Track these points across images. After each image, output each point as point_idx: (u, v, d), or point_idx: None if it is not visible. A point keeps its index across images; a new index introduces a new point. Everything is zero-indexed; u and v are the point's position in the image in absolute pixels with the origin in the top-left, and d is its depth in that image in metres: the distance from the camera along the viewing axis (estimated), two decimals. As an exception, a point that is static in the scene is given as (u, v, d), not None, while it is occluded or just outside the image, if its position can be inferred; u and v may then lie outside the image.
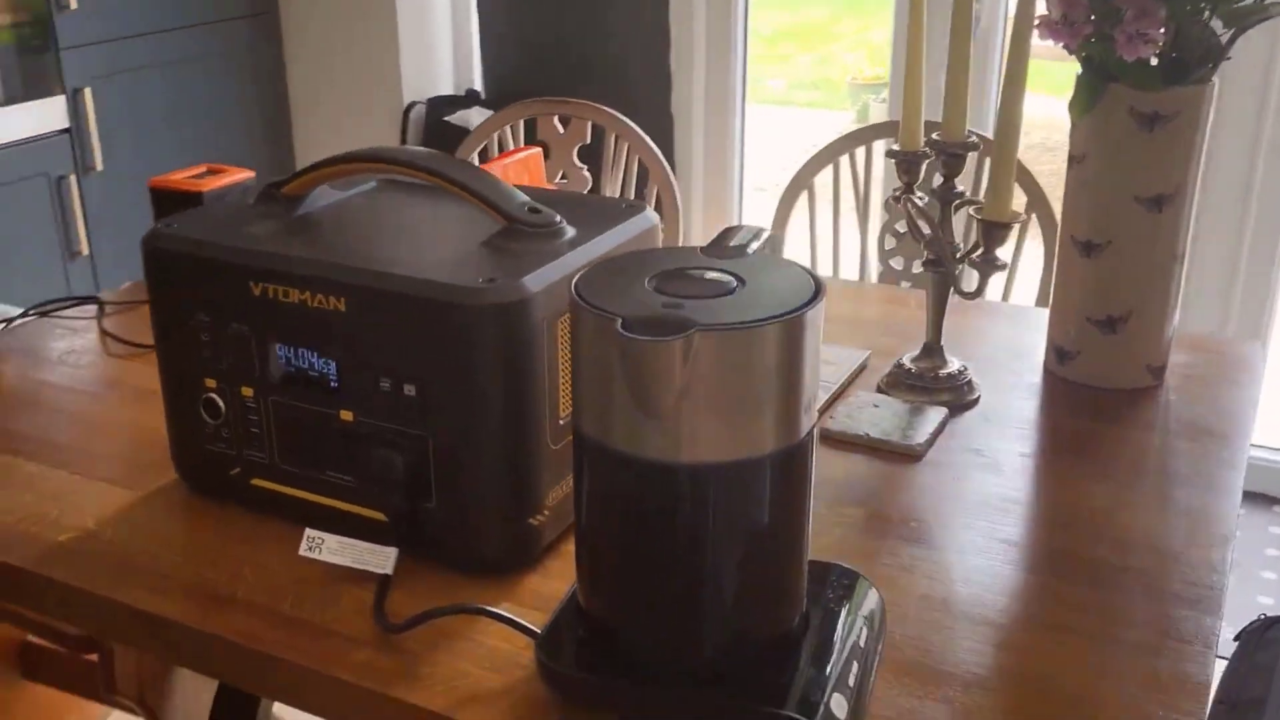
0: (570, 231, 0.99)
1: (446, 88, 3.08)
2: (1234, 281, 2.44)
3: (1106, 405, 1.23)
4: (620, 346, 0.71)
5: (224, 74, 2.92)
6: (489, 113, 2.96)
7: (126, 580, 0.96)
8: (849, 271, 1.87)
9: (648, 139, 1.85)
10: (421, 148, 1.03)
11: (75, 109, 2.55)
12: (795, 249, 1.87)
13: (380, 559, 0.94)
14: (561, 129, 1.92)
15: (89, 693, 1.71)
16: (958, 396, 1.24)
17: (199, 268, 0.98)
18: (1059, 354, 1.29)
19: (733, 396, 0.73)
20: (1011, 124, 1.09)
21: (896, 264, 1.79)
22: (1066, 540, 1.00)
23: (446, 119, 2.92)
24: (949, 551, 0.99)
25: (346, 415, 0.96)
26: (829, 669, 0.80)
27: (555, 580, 0.95)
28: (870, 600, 0.88)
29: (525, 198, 1.00)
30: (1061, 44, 1.09)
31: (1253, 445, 1.19)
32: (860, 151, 1.81)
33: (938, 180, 1.20)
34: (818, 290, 0.76)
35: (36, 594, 0.98)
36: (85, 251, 2.61)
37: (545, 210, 0.99)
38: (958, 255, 1.19)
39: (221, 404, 1.01)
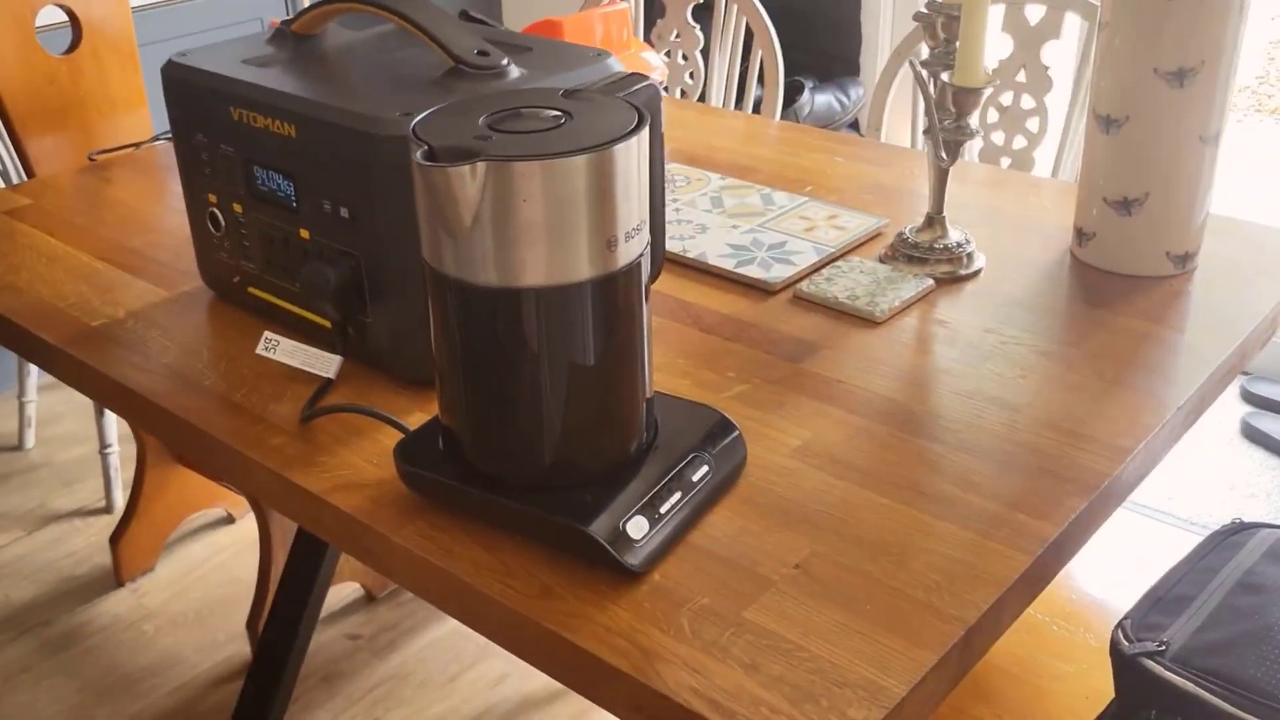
0: (515, 74, 1.04)
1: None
2: None
3: (1117, 291, 1.18)
4: (422, 175, 0.77)
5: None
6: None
7: (124, 362, 1.11)
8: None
9: (756, 3, 1.83)
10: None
11: (288, -41, 2.75)
12: (898, 117, 1.82)
13: (325, 364, 1.05)
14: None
15: (229, 479, 1.95)
16: (955, 269, 1.22)
17: (197, 95, 1.10)
18: (1080, 235, 1.24)
19: (534, 224, 0.78)
20: (983, -16, 1.04)
21: (996, 139, 1.72)
22: (982, 418, 0.99)
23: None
24: (856, 414, 1.00)
25: (304, 233, 1.06)
26: (644, 497, 0.85)
27: (477, 399, 1.03)
28: (731, 443, 0.92)
29: (477, 41, 1.06)
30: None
31: None
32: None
33: (941, 41, 1.17)
34: (637, 125, 0.79)
35: (62, 367, 1.16)
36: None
37: (494, 53, 1.05)
38: (944, 123, 1.16)
39: (221, 217, 1.14)
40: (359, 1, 1.08)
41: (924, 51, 1.22)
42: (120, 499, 2.24)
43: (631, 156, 0.79)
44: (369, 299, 1.03)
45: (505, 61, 1.04)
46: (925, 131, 1.20)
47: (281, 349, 1.07)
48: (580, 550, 0.83)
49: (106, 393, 1.10)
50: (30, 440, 2.43)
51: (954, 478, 0.91)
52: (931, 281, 1.19)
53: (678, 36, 1.94)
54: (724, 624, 0.78)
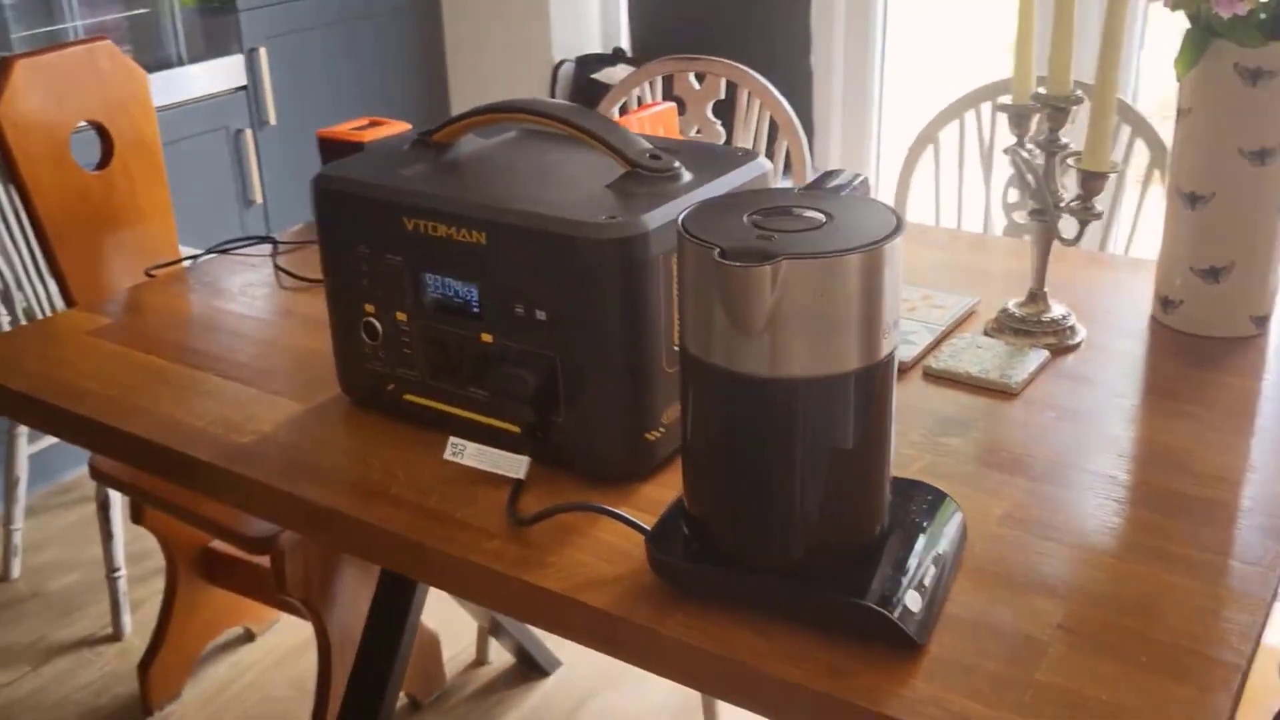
0: (687, 175, 1.09)
1: (594, 46, 3.20)
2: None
3: (1208, 353, 1.28)
4: (718, 273, 0.81)
5: (386, 33, 3.09)
6: (632, 69, 3.07)
7: (297, 476, 1.10)
8: (973, 224, 1.92)
9: (778, 95, 1.93)
10: (556, 99, 1.13)
11: (252, 67, 2.75)
12: (920, 202, 1.92)
13: (514, 465, 1.07)
14: (697, 85, 2.01)
15: (263, 596, 1.91)
16: (1060, 340, 1.30)
17: (360, 205, 1.12)
18: (1164, 303, 1.34)
19: (816, 318, 0.82)
20: (1109, 78, 1.14)
21: (1019, 218, 1.83)
22: (1148, 473, 1.06)
23: (593, 76, 3.04)
24: (1036, 479, 1.06)
25: (486, 337, 1.08)
26: (907, 571, 0.89)
27: (666, 490, 1.06)
28: (952, 517, 0.97)
29: (647, 144, 1.10)
30: (1163, 2, 1.14)
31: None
32: (985, 107, 1.85)
33: (1045, 132, 1.26)
34: (898, 226, 0.84)
35: (221, 487, 1.14)
36: (259, 199, 2.82)
37: (665, 156, 1.09)
38: (1060, 205, 1.25)
39: (379, 327, 1.15)
40: (528, 113, 1.11)
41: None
42: (129, 624, 2.15)
43: (897, 253, 0.84)
44: (563, 399, 1.06)
45: (677, 164, 1.09)
46: (1033, 213, 1.29)
47: (469, 453, 1.08)
48: (860, 627, 0.86)
49: (288, 512, 1.09)
50: (16, 570, 2.32)
51: (1158, 532, 0.98)
52: (1048, 353, 1.27)
53: (699, 132, 2.02)
54: (1021, 686, 0.82)
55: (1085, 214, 1.19)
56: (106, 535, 2.10)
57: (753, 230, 0.85)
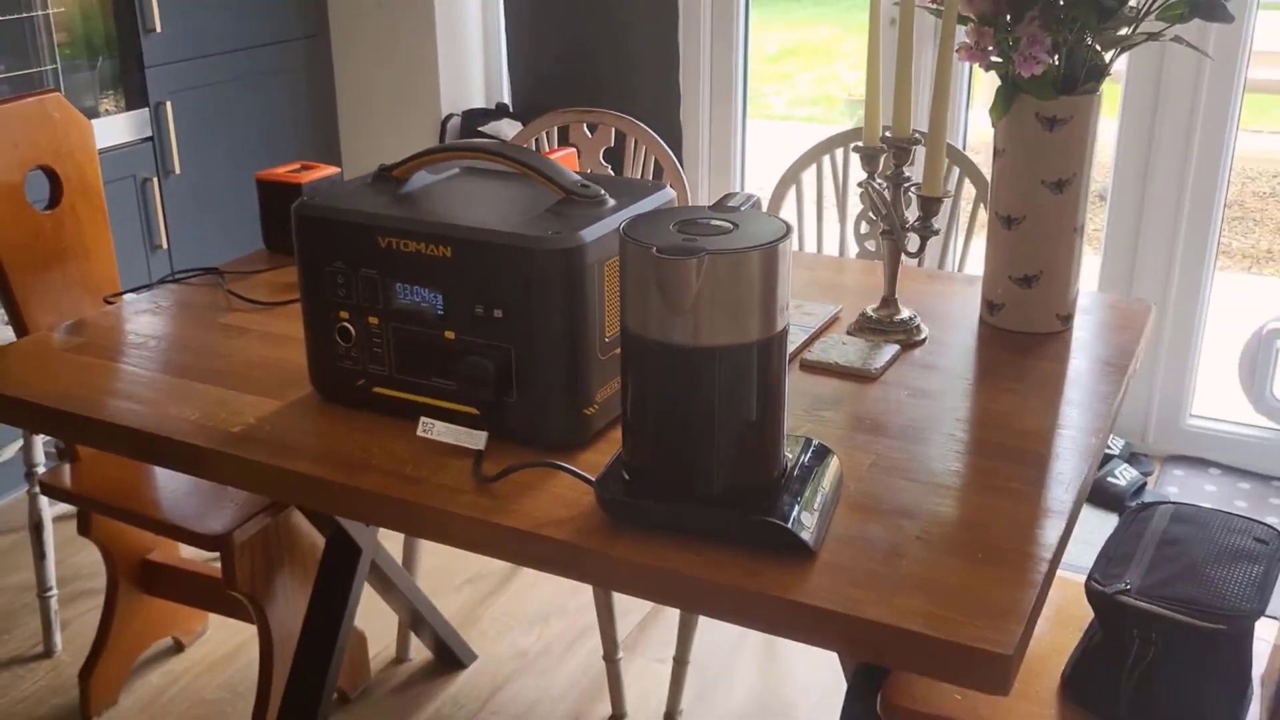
0: (611, 201, 1.34)
1: (479, 101, 3.44)
2: (1173, 256, 2.80)
3: (1024, 345, 1.58)
4: (656, 265, 1.06)
5: (282, 89, 3.28)
6: (517, 124, 3.33)
7: (289, 456, 1.31)
8: (830, 251, 2.22)
9: (662, 142, 2.20)
10: (498, 140, 1.37)
11: (157, 120, 2.91)
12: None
13: (475, 439, 1.29)
14: (589, 134, 2.27)
15: (202, 601, 2.07)
16: (909, 337, 1.59)
17: (337, 228, 1.34)
18: (990, 306, 1.64)
19: (729, 300, 1.08)
20: (939, 121, 1.44)
21: (870, 245, 2.14)
22: (981, 432, 1.35)
23: (480, 129, 3.28)
24: (895, 439, 1.33)
25: (449, 334, 1.31)
26: (801, 499, 1.15)
27: (601, 456, 1.30)
28: (833, 464, 1.23)
29: (577, 177, 1.35)
30: (977, 63, 1.45)
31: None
32: (839, 152, 2.16)
33: (891, 168, 1.56)
34: (787, 231, 1.11)
35: (223, 468, 1.33)
36: (164, 244, 2.97)
37: (593, 185, 1.35)
38: (905, 225, 1.54)
39: (352, 330, 1.37)
40: (480, 152, 1.35)
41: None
42: (59, 642, 2.27)
43: (788, 251, 1.10)
44: (515, 383, 1.29)
45: (603, 192, 1.34)
46: (884, 234, 1.58)
47: (437, 429, 1.30)
48: (769, 540, 1.11)
49: (285, 484, 1.29)
50: (-60, 598, 2.41)
51: (988, 472, 1.26)
52: (899, 347, 1.56)
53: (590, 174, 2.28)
54: (890, 578, 1.08)
55: (925, 231, 1.49)
56: (39, 555, 2.22)
57: (679, 235, 1.10)
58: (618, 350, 1.33)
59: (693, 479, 1.15)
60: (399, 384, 1.37)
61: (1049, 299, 1.61)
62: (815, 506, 1.15)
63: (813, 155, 2.16)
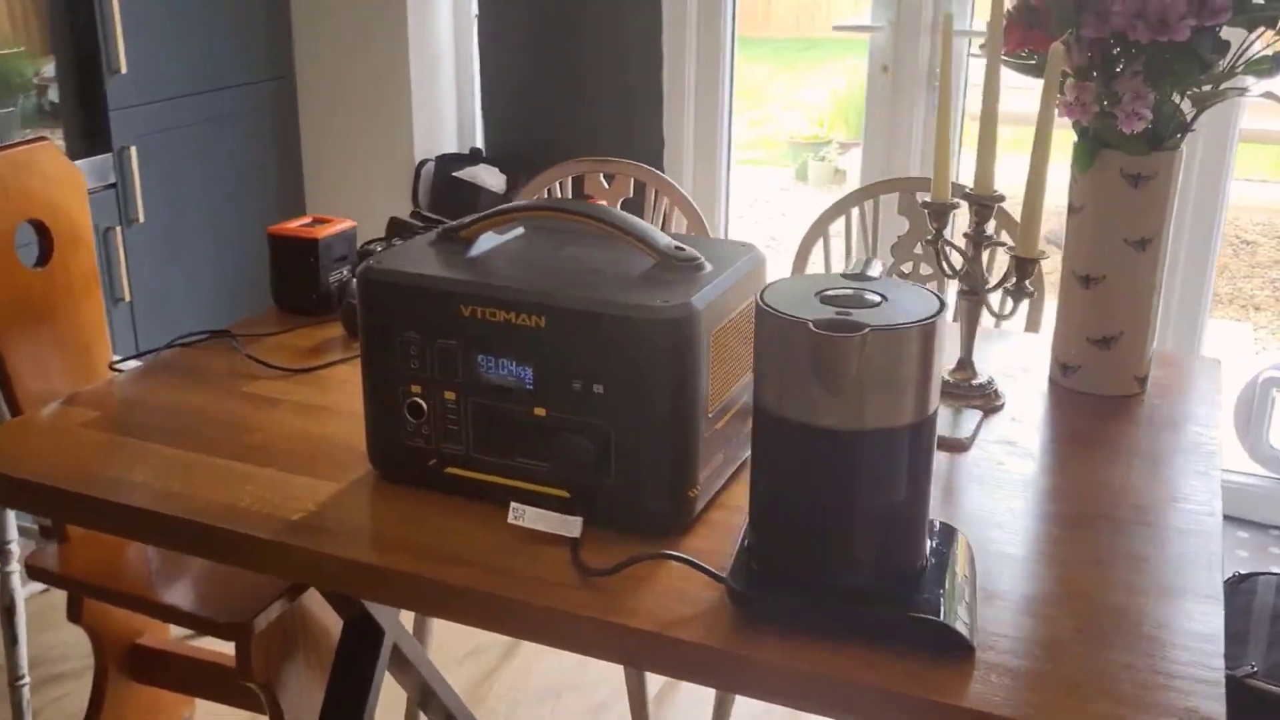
0: (708, 265, 1.25)
1: (451, 146, 3.33)
2: (1169, 303, 2.79)
3: (1104, 408, 1.52)
4: (813, 342, 0.97)
5: (248, 134, 3.13)
6: (494, 169, 3.22)
7: (361, 547, 1.18)
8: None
9: (684, 192, 2.12)
10: (579, 200, 1.27)
11: (121, 165, 2.75)
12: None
13: (570, 526, 1.18)
14: (606, 184, 2.18)
15: (199, 689, 1.91)
16: (988, 402, 1.52)
17: (413, 294, 1.22)
18: (1063, 368, 1.58)
19: (889, 379, 0.99)
20: (1039, 179, 1.37)
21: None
22: (1097, 505, 1.28)
23: (455, 174, 3.17)
24: (1008, 514, 1.26)
25: (539, 411, 1.20)
26: (950, 590, 1.06)
27: (705, 540, 1.20)
28: (962, 544, 1.15)
29: (670, 239, 1.26)
30: (1074, 119, 1.39)
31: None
32: (869, 203, 2.10)
33: (968, 225, 1.49)
34: (941, 305, 1.03)
35: (287, 563, 1.20)
36: (127, 297, 2.80)
37: (688, 249, 1.25)
38: (988, 286, 1.47)
39: (425, 405, 1.25)
40: (568, 213, 1.25)
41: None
42: (32, 733, 2.08)
43: (944, 326, 1.02)
44: (614, 463, 1.18)
45: (700, 257, 1.25)
46: (963, 294, 1.51)
47: (529, 516, 1.19)
48: (930, 641, 1.02)
49: (365, 580, 1.17)
50: (-107, 688, 2.20)
51: (1117, 551, 1.19)
52: (980, 413, 1.49)
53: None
54: (1066, 683, 1.00)
55: (1020, 293, 1.42)
56: (11, 640, 2.03)
57: (829, 308, 1.01)
58: (719, 425, 1.24)
59: (834, 571, 1.05)
60: (477, 464, 1.25)
61: (1127, 361, 1.55)
62: (964, 597, 1.06)
63: (841, 207, 2.10)
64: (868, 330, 0.96)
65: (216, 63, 3.00)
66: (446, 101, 3.31)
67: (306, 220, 1.85)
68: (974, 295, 1.51)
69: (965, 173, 2.96)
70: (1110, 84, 1.37)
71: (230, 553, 1.23)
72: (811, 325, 0.97)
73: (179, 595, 1.68)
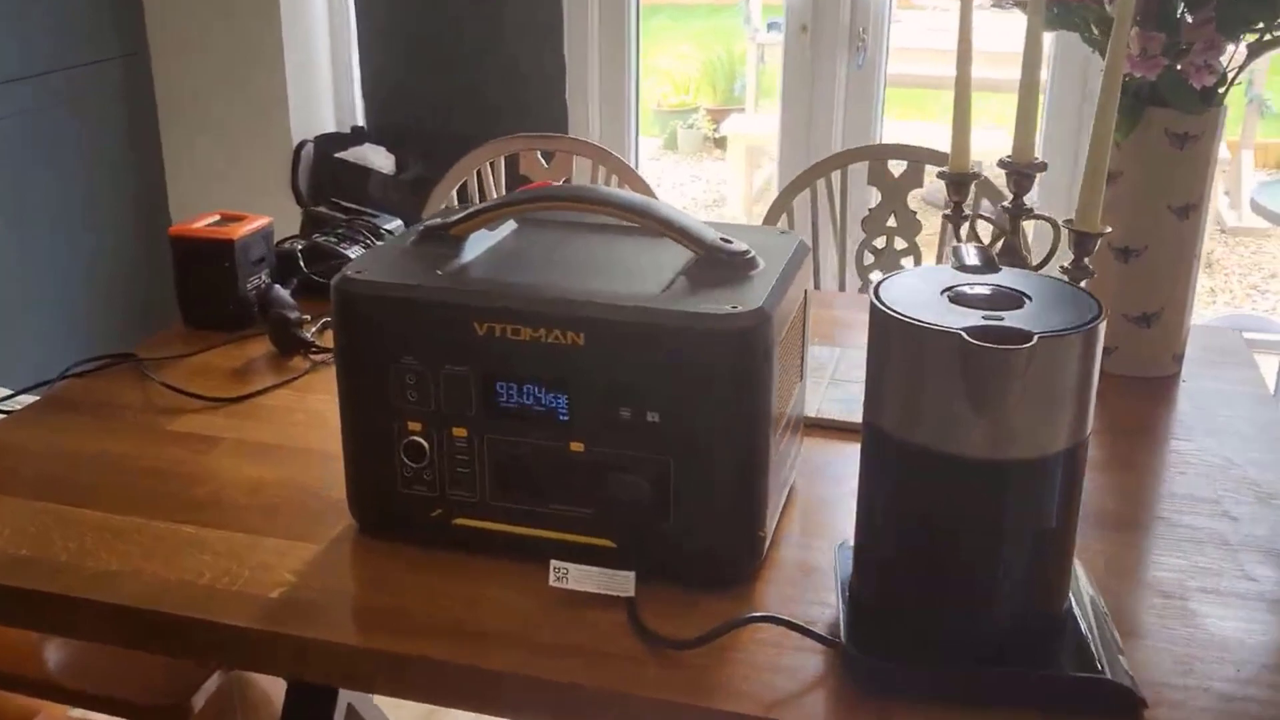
0: (761, 261, 1.05)
1: (329, 125, 3.03)
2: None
3: (1145, 391, 1.38)
4: (966, 355, 0.79)
5: (94, 121, 2.78)
6: (380, 149, 2.94)
7: (366, 627, 0.95)
8: (829, 286, 1.99)
9: (640, 174, 1.91)
10: (600, 186, 1.06)
11: (-45, 159, 2.38)
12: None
13: (621, 583, 0.98)
14: (545, 163, 1.95)
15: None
16: (1025, 393, 1.36)
17: (411, 311, 0.99)
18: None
19: (1046, 397, 0.81)
20: (1101, 146, 1.21)
21: (874, 277, 1.92)
22: (1190, 511, 1.13)
23: (338, 155, 2.88)
24: (1099, 525, 1.10)
25: (576, 446, 0.99)
26: (1098, 637, 0.89)
27: (777, 587, 1.01)
28: (1081, 573, 0.99)
29: (715, 232, 1.05)
30: (1140, 74, 1.24)
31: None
32: (836, 175, 1.93)
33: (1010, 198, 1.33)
34: (1099, 305, 0.85)
35: (270, 655, 0.96)
36: (-29, 312, 2.44)
37: (735, 241, 1.05)
38: (1036, 264, 1.31)
39: (427, 446, 1.02)
40: (594, 203, 1.03)
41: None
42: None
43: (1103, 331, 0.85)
44: (671, 504, 0.98)
45: (749, 250, 1.05)
46: (999, 275, 1.34)
47: (573, 575, 0.98)
48: (1098, 702, 0.85)
49: (380, 672, 0.93)
50: None
51: (1235, 567, 1.04)
52: (1026, 406, 1.33)
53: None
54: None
55: (1080, 273, 1.26)
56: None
57: (967, 310, 0.83)
58: (779, 450, 1.04)
59: (971, 627, 0.87)
60: (494, 513, 1.03)
61: (1166, 337, 1.42)
62: (1110, 638, 0.90)
63: (805, 180, 1.92)
64: (1036, 340, 0.78)
65: (52, 39, 2.64)
66: (322, 76, 3.01)
67: (212, 218, 1.58)
68: (1012, 275, 1.35)
69: (888, 138, 2.82)
70: (1174, 34, 1.22)
71: (199, 648, 0.98)
72: (965, 335, 0.78)
73: (91, 676, 1.41)
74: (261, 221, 1.57)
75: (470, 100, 2.94)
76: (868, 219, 1.90)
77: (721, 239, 1.05)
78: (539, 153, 1.93)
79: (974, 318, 0.82)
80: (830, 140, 2.75)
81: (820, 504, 1.15)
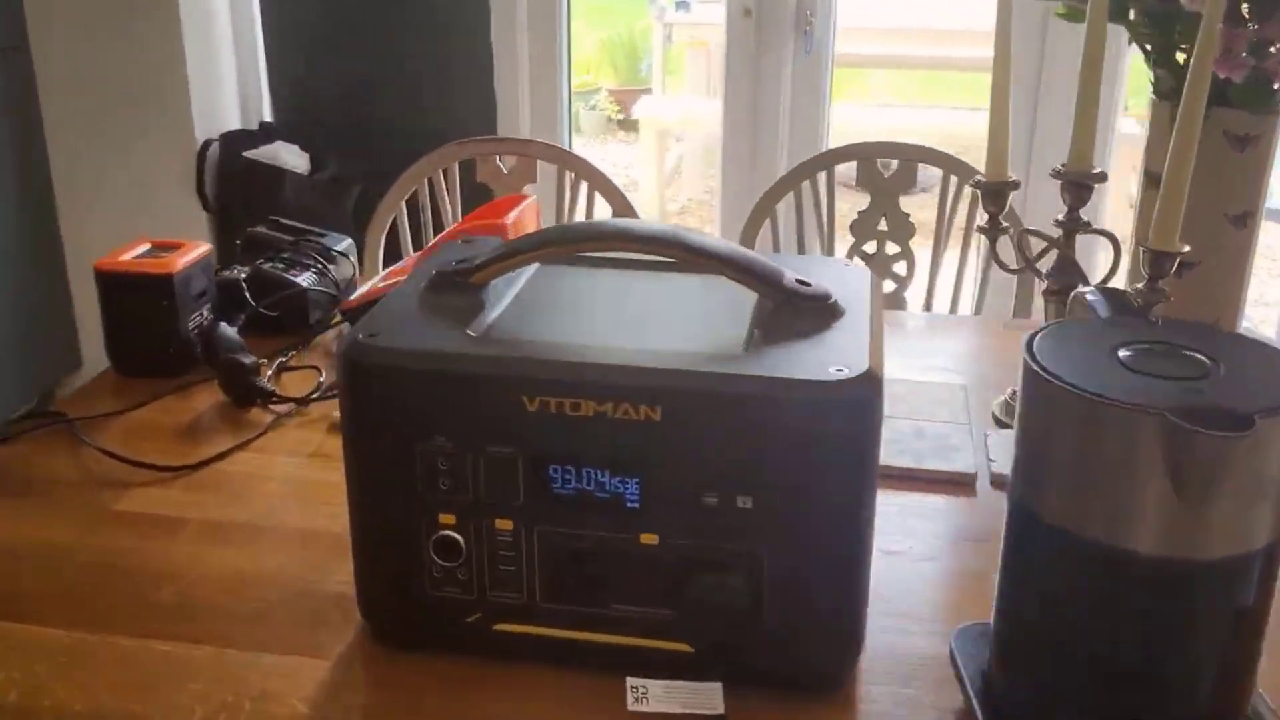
0: (843, 306, 0.90)
1: (235, 122, 2.79)
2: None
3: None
4: (1172, 439, 0.65)
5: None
6: (293, 147, 2.72)
7: (410, 776, 0.79)
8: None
9: (613, 180, 1.74)
10: (650, 223, 0.91)
11: None
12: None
13: (708, 698, 0.83)
14: (504, 169, 1.77)
15: None
16: (1078, 423, 1.25)
17: (443, 384, 0.82)
18: (1139, 369, 1.33)
19: (1248, 486, 0.68)
20: (1184, 156, 1.09)
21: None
22: None
23: (248, 155, 2.65)
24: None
25: (649, 539, 0.83)
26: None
27: (867, 687, 0.87)
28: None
29: (789, 271, 0.90)
30: (1223, 74, 1.12)
31: None
32: (822, 177, 1.79)
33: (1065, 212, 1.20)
34: (1291, 360, 0.72)
35: (291, 813, 0.79)
36: None
37: (813, 283, 0.90)
38: (1097, 282, 1.19)
39: (462, 542, 0.85)
40: (639, 242, 0.87)
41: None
42: None
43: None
44: (766, 605, 0.83)
45: (830, 293, 0.90)
46: (1051, 294, 1.22)
47: (654, 694, 0.82)
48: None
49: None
50: None
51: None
52: (1085, 440, 1.21)
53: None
54: None
55: (1155, 295, 1.14)
56: None
57: (1143, 377, 0.69)
58: (879, 524, 0.90)
59: (1151, 742, 0.74)
60: (545, 617, 0.86)
61: (1217, 355, 1.31)
62: (1298, 747, 0.78)
63: (787, 184, 1.78)
64: (1256, 420, 0.65)
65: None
66: (226, 69, 2.76)
67: (142, 247, 1.37)
68: (1062, 295, 1.22)
69: (837, 134, 2.70)
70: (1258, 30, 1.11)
71: (200, 813, 0.80)
72: (1169, 416, 0.65)
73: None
74: (201, 250, 1.37)
75: (388, 91, 2.73)
76: (856, 223, 1.76)
77: (798, 280, 0.89)
78: (498, 157, 1.75)
79: (1162, 390, 0.68)
80: (777, 131, 2.61)
81: (890, 570, 1.01)
